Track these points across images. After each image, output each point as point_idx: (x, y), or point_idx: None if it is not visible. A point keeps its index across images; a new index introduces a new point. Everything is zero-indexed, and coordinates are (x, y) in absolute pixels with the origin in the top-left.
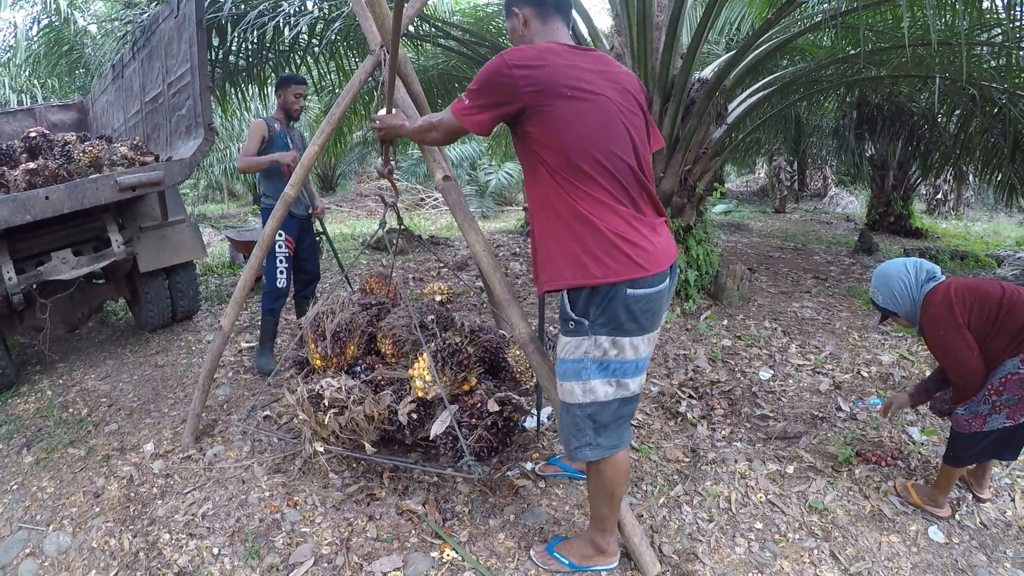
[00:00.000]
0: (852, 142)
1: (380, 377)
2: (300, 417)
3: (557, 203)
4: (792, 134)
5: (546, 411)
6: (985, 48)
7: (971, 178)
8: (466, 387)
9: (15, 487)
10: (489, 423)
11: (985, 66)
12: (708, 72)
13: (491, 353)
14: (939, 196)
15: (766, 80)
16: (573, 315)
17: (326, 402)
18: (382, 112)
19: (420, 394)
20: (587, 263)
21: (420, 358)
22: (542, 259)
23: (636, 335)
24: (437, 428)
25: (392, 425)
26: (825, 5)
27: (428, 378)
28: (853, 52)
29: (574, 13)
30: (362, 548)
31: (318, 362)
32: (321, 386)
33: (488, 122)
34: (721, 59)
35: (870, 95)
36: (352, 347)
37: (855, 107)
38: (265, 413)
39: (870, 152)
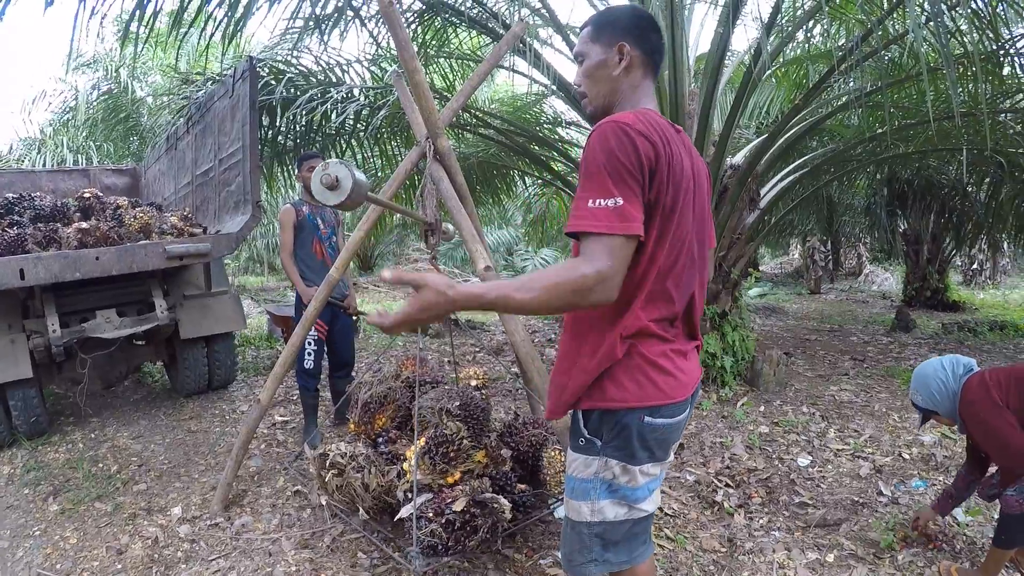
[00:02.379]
0: (884, 219)
1: (399, 451)
2: (311, 470)
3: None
4: (825, 214)
5: None
6: (1008, 115)
7: (1006, 246)
8: (450, 479)
9: (37, 533)
10: (444, 521)
11: (1011, 132)
12: (740, 158)
13: (534, 449)
14: (975, 266)
15: (797, 163)
16: (585, 432)
17: (328, 463)
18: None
19: (408, 476)
20: (606, 384)
21: (418, 442)
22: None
23: (647, 463)
24: (403, 512)
25: (392, 499)
26: (851, 85)
27: (408, 465)
28: (881, 130)
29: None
30: None
31: (352, 428)
32: (330, 449)
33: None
34: (752, 144)
35: (900, 171)
36: (383, 418)
37: (886, 184)
38: (296, 488)
39: (903, 227)
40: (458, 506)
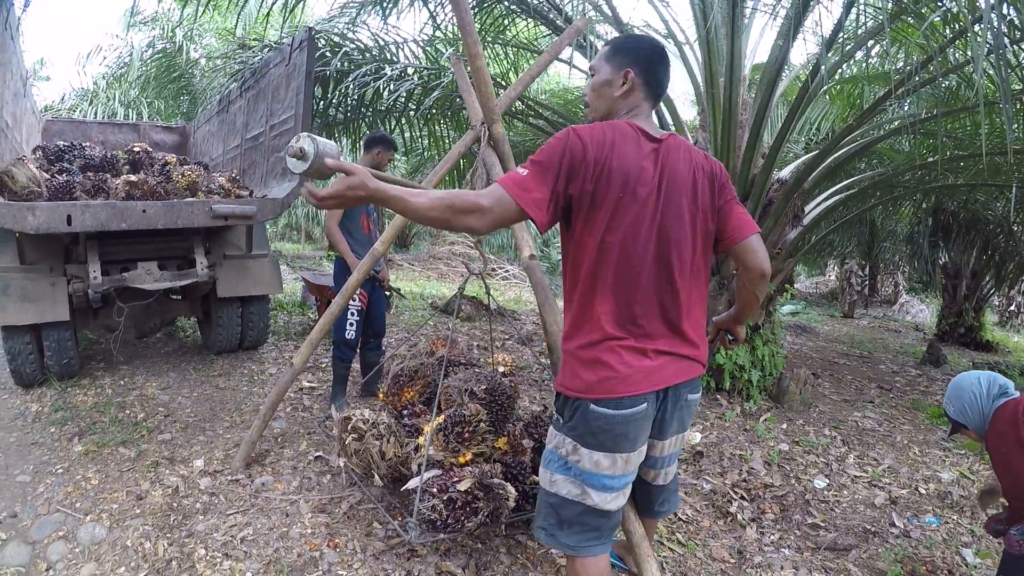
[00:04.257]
0: (926, 249)
1: (421, 426)
2: (334, 432)
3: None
4: (866, 238)
5: None
6: None
7: None
8: (461, 459)
9: (60, 471)
10: (446, 498)
11: None
12: (787, 172)
13: None
14: (1012, 308)
15: (844, 183)
16: (554, 409)
17: (350, 426)
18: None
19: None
20: (564, 369)
21: (437, 418)
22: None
23: (596, 450)
24: (410, 484)
25: (408, 470)
26: (905, 110)
27: (423, 440)
28: (931, 159)
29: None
30: None
31: (380, 398)
32: (354, 414)
33: None
34: (800, 160)
35: (946, 202)
36: (411, 392)
37: (931, 213)
38: (318, 454)
39: (943, 260)
40: (463, 486)
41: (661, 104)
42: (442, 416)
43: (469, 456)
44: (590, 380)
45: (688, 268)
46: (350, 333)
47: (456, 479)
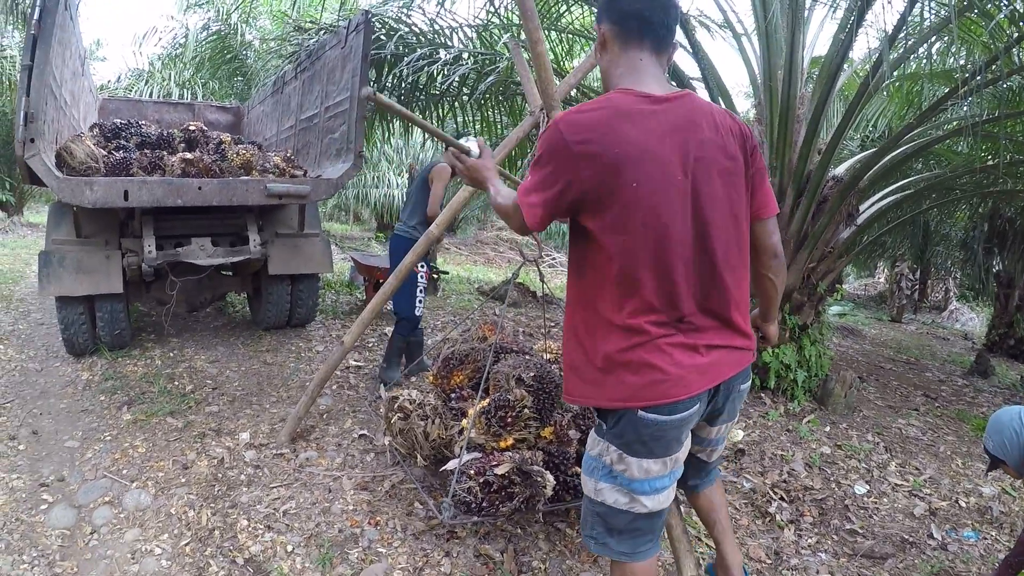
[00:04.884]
0: (980, 256)
1: (467, 409)
2: (381, 411)
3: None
4: (919, 241)
5: None
6: None
7: None
8: (503, 444)
9: (108, 438)
10: (482, 481)
11: None
12: (842, 170)
13: None
14: None
15: (899, 184)
16: (595, 414)
17: (397, 405)
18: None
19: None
20: (605, 378)
21: (481, 402)
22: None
23: (646, 458)
24: (449, 464)
25: (450, 452)
26: (964, 110)
27: (467, 423)
28: (991, 162)
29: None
30: None
31: (431, 380)
32: (402, 394)
33: None
34: (857, 157)
35: (1004, 208)
36: (461, 376)
37: (987, 219)
38: (362, 432)
39: (997, 268)
40: (500, 470)
41: (720, 97)
42: (487, 400)
43: (510, 441)
44: (636, 384)
45: (731, 251)
46: (419, 310)
47: (495, 463)
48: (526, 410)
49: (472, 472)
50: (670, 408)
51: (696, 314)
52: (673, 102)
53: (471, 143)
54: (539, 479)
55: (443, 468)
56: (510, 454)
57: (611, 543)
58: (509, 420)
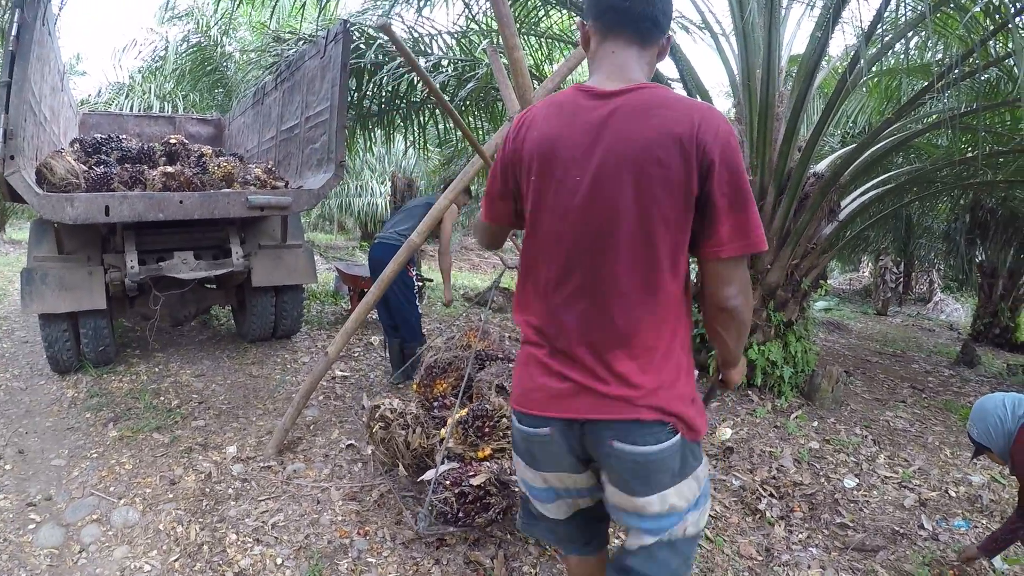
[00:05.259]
0: (962, 247)
1: (448, 418)
2: (364, 420)
3: None
4: (901, 234)
5: None
6: None
7: None
8: (480, 454)
9: (95, 456)
10: (458, 492)
11: None
12: (823, 166)
13: None
14: None
15: (880, 178)
16: None
17: (378, 415)
18: None
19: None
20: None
21: (460, 411)
22: None
23: (520, 459)
24: (425, 475)
25: (432, 461)
26: (943, 104)
27: (445, 432)
28: (971, 154)
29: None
30: None
31: (415, 388)
32: (383, 403)
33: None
34: (836, 154)
35: (984, 199)
36: (443, 384)
37: (968, 210)
38: (350, 442)
39: (980, 258)
40: (476, 480)
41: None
42: (466, 409)
43: (488, 451)
44: (515, 385)
45: (632, 275)
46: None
47: (472, 473)
48: (504, 419)
49: (448, 483)
50: (520, 417)
51: (565, 339)
52: (620, 96)
53: None
54: (516, 489)
55: (420, 478)
56: (487, 464)
57: (522, 514)
58: (487, 430)
